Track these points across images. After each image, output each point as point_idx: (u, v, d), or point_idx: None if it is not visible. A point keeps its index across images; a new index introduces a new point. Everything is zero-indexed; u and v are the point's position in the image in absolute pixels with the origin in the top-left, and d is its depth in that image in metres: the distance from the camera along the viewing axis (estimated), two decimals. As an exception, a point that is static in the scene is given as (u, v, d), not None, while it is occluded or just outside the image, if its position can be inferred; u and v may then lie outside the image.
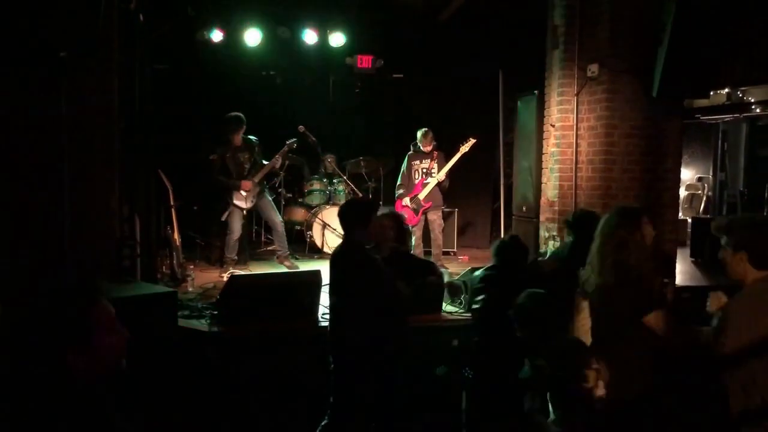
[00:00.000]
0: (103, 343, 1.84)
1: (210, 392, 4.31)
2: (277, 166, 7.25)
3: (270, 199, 7.22)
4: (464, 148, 7.21)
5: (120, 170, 4.85)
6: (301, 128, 7.33)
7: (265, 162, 7.04)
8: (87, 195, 4.45)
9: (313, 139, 7.35)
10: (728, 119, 9.61)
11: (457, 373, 3.97)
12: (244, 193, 6.89)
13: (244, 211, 7.03)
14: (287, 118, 7.11)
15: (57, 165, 4.25)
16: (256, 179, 6.94)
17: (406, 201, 7.31)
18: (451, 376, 4.09)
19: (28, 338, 1.81)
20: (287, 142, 7.11)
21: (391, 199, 8.22)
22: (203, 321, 4.89)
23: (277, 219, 7.15)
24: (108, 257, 4.73)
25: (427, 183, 7.32)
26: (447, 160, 7.33)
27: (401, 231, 4.69)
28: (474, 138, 7.23)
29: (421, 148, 7.33)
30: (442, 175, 7.20)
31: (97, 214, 4.57)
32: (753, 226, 2.96)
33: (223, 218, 6.95)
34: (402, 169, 7.48)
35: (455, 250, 8.77)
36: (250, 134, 7.02)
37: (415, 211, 7.28)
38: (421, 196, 7.28)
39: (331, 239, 7.86)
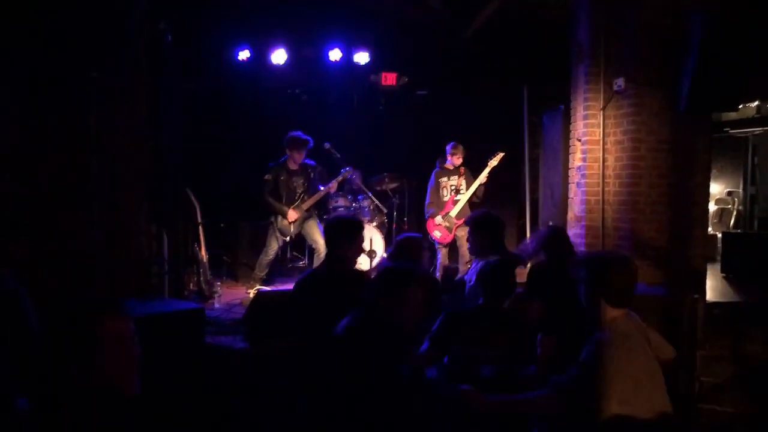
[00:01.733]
0: (106, 358, 1.81)
1: (237, 408, 4.32)
2: (332, 191, 7.19)
3: (317, 222, 7.09)
4: (493, 162, 7.21)
5: (148, 189, 4.92)
6: (327, 145, 7.38)
7: (321, 187, 6.99)
8: (115, 213, 4.52)
9: (339, 156, 7.38)
10: (758, 132, 9.48)
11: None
12: (290, 222, 6.83)
13: (287, 238, 7.00)
14: (313, 136, 7.13)
15: (86, 184, 4.32)
16: (305, 206, 6.88)
17: (439, 219, 7.30)
18: None
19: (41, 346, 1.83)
20: (342, 171, 7.11)
21: (415, 215, 8.23)
22: (231, 337, 4.92)
23: (322, 242, 6.89)
24: (136, 275, 4.79)
25: (458, 200, 7.31)
26: (473, 176, 7.33)
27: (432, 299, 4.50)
28: (502, 152, 7.22)
29: (450, 160, 7.33)
30: (481, 181, 7.17)
31: (125, 232, 4.64)
32: (606, 263, 2.80)
33: (271, 244, 6.87)
34: (429, 187, 7.48)
35: (481, 266, 8.72)
36: (276, 152, 7.04)
37: (449, 229, 7.27)
38: (453, 213, 7.27)
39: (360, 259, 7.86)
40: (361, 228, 3.81)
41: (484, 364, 3.24)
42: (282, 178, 6.82)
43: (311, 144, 6.83)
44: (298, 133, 6.80)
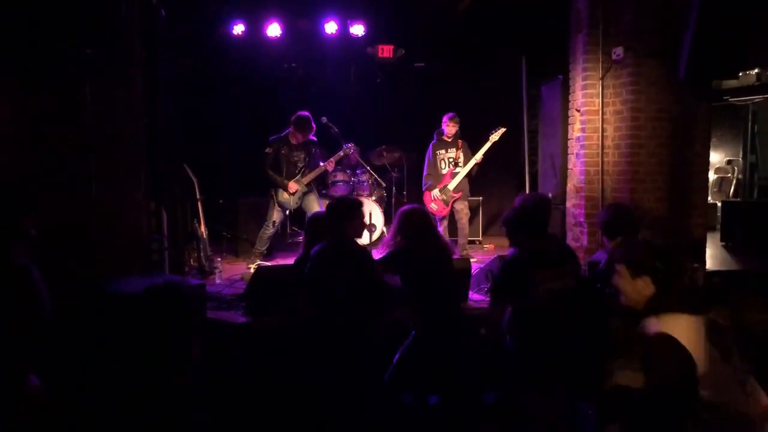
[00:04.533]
0: None
1: (239, 383, 4.35)
2: (330, 169, 7.16)
3: (317, 197, 7.10)
4: (494, 137, 7.17)
5: (146, 165, 4.90)
6: (324, 119, 7.33)
7: (321, 163, 6.97)
8: (114, 189, 4.51)
9: (336, 130, 7.34)
10: (758, 100, 9.42)
11: None
12: (289, 195, 6.83)
13: (287, 211, 6.99)
14: (309, 110, 7.08)
15: (83, 162, 4.31)
16: (305, 180, 6.86)
17: (436, 192, 7.27)
18: None
19: None
20: (344, 147, 7.08)
21: (414, 189, 8.21)
22: (232, 312, 4.93)
23: None
24: (136, 251, 4.79)
25: (456, 173, 7.28)
26: (471, 150, 7.29)
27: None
28: (503, 127, 7.18)
29: (445, 131, 7.29)
30: (477, 160, 7.14)
31: (124, 208, 4.63)
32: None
33: (272, 218, 6.87)
34: (427, 159, 7.45)
35: (480, 238, 8.74)
36: (273, 126, 6.99)
37: (445, 202, 7.25)
38: (451, 186, 7.24)
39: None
40: (359, 207, 3.98)
41: None
42: (283, 151, 6.80)
43: (313, 128, 6.78)
44: (307, 116, 6.75)
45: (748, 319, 5.82)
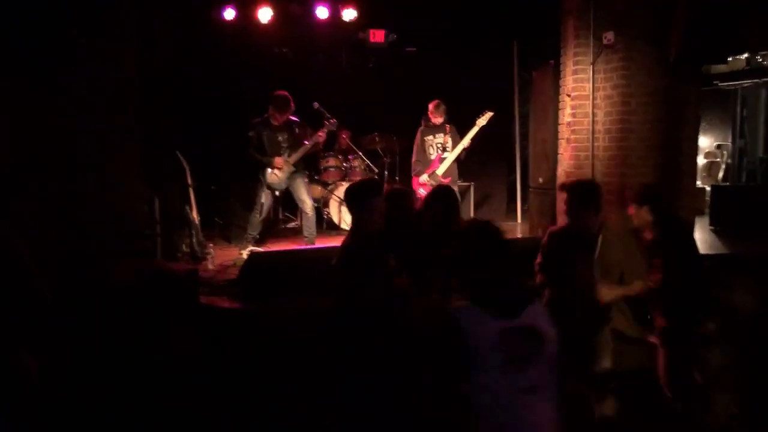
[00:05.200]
0: None
1: (230, 368, 4.38)
2: (321, 142, 7.07)
3: (305, 180, 7.07)
4: (481, 122, 7.13)
5: (139, 151, 4.89)
6: (316, 105, 7.31)
7: (306, 142, 6.94)
8: (106, 175, 4.50)
9: (328, 115, 7.33)
10: (747, 85, 9.48)
11: None
12: (277, 172, 6.77)
13: (276, 192, 6.98)
14: (301, 95, 7.06)
15: (75, 147, 4.29)
16: (292, 160, 6.83)
17: (425, 178, 7.25)
18: None
19: None
20: (327, 123, 7.02)
21: (406, 174, 8.22)
22: (225, 297, 4.96)
23: (309, 201, 6.95)
24: (129, 236, 4.79)
25: (444, 158, 7.27)
26: (459, 134, 7.28)
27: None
28: (491, 111, 7.17)
29: (432, 120, 7.26)
30: (464, 145, 7.10)
31: (116, 194, 4.62)
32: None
33: (261, 200, 6.87)
34: (416, 145, 7.43)
35: (472, 223, 8.76)
36: (264, 112, 6.96)
37: (410, 194, 7.19)
38: (440, 171, 7.23)
39: (348, 216, 7.87)
40: (372, 190, 3.70)
41: None
42: (266, 133, 6.79)
43: (292, 107, 6.75)
44: (284, 95, 6.72)
45: (735, 302, 5.90)
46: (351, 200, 3.61)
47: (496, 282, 2.41)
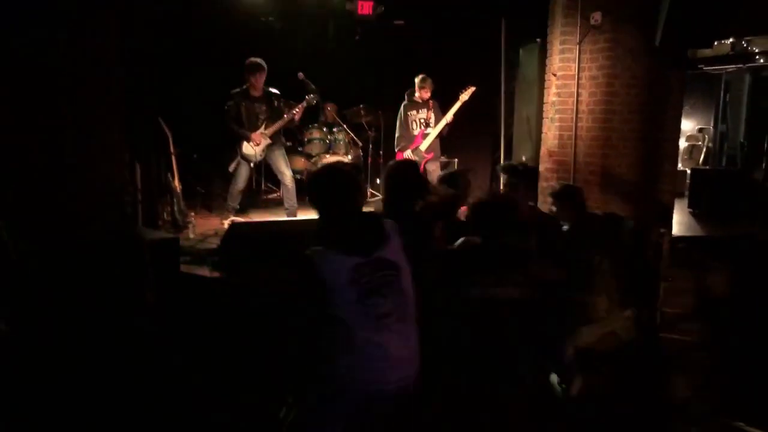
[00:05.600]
0: None
1: (211, 337, 4.40)
2: (296, 119, 7.04)
3: (283, 152, 7.03)
4: (464, 96, 7.13)
5: (119, 116, 4.83)
6: (301, 75, 7.25)
7: (285, 115, 6.89)
8: (86, 140, 4.45)
9: (312, 87, 7.27)
10: (731, 70, 9.54)
11: None
12: (254, 146, 6.78)
13: (251, 164, 6.96)
14: (286, 66, 7.01)
15: (55, 109, 4.24)
16: (269, 132, 6.78)
17: (408, 153, 7.25)
18: None
19: None
20: (307, 98, 6.97)
21: (390, 149, 8.21)
22: (205, 267, 4.96)
23: (288, 173, 6.92)
24: (109, 203, 4.75)
25: (427, 134, 7.27)
26: (442, 110, 7.28)
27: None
28: (473, 86, 7.16)
29: (418, 95, 7.25)
30: (447, 120, 7.10)
31: (96, 159, 4.58)
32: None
33: (231, 169, 6.84)
34: (399, 120, 7.42)
35: (454, 199, 8.79)
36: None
37: (418, 164, 7.20)
38: (423, 147, 7.24)
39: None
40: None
41: None
42: (244, 104, 6.74)
43: (264, 68, 6.69)
44: (257, 60, 6.67)
45: (709, 283, 6.02)
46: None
47: (346, 221, 2.67)
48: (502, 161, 8.58)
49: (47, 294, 3.59)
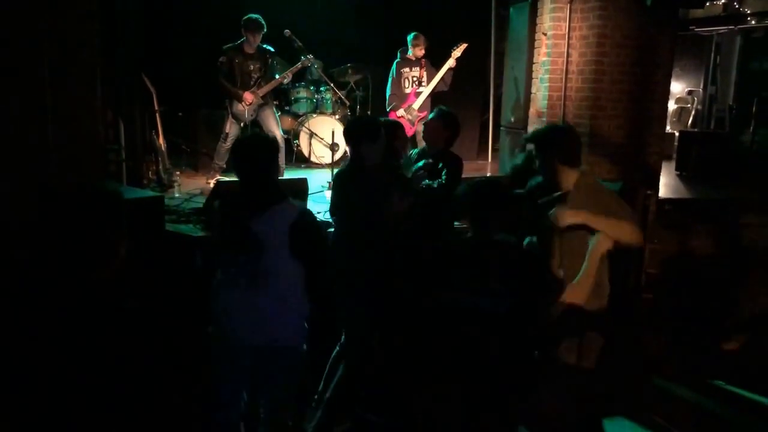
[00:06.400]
0: None
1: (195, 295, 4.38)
2: (286, 82, 6.93)
3: (274, 112, 6.92)
4: (456, 53, 7.01)
5: (101, 71, 4.73)
6: (287, 32, 7.12)
7: (276, 76, 6.77)
8: (68, 95, 4.36)
9: (300, 44, 7.15)
10: (722, 31, 9.48)
11: None
12: (245, 105, 6.63)
13: (242, 123, 6.83)
14: (272, 22, 6.85)
15: (35, 68, 4.15)
16: (261, 92, 6.65)
17: (401, 112, 7.13)
18: None
19: None
20: (302, 59, 6.86)
21: (379, 108, 8.12)
22: (191, 226, 4.94)
23: (278, 134, 6.78)
24: (93, 160, 4.68)
25: (420, 92, 7.17)
26: (434, 68, 7.17)
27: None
28: (465, 43, 7.05)
29: (412, 52, 7.13)
30: (439, 77, 7.03)
31: (78, 115, 4.49)
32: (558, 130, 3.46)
33: (227, 130, 6.74)
34: (391, 78, 7.31)
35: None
36: (234, 37, 6.75)
37: (411, 122, 7.08)
38: (416, 105, 7.13)
39: (318, 148, 7.82)
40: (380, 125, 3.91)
41: None
42: (237, 61, 6.57)
43: (264, 26, 6.55)
44: (256, 17, 6.52)
45: (694, 246, 6.07)
46: None
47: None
48: (490, 122, 8.54)
49: (13, 240, 3.60)
